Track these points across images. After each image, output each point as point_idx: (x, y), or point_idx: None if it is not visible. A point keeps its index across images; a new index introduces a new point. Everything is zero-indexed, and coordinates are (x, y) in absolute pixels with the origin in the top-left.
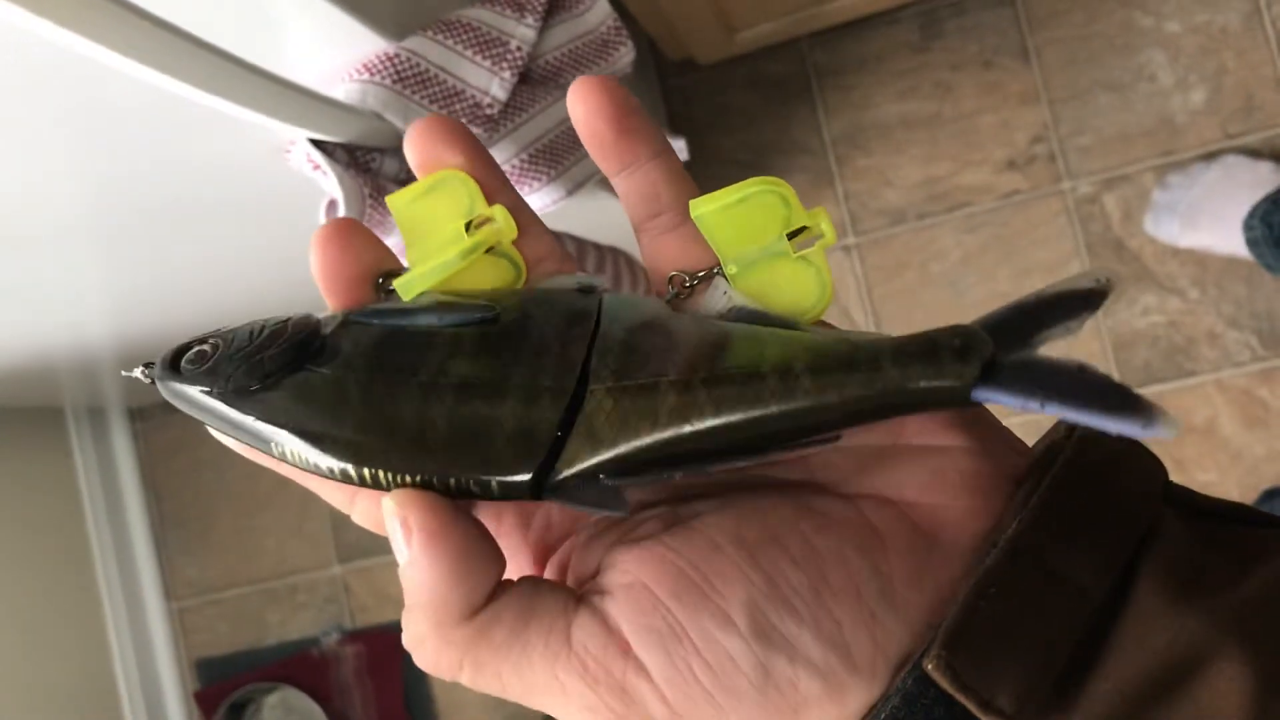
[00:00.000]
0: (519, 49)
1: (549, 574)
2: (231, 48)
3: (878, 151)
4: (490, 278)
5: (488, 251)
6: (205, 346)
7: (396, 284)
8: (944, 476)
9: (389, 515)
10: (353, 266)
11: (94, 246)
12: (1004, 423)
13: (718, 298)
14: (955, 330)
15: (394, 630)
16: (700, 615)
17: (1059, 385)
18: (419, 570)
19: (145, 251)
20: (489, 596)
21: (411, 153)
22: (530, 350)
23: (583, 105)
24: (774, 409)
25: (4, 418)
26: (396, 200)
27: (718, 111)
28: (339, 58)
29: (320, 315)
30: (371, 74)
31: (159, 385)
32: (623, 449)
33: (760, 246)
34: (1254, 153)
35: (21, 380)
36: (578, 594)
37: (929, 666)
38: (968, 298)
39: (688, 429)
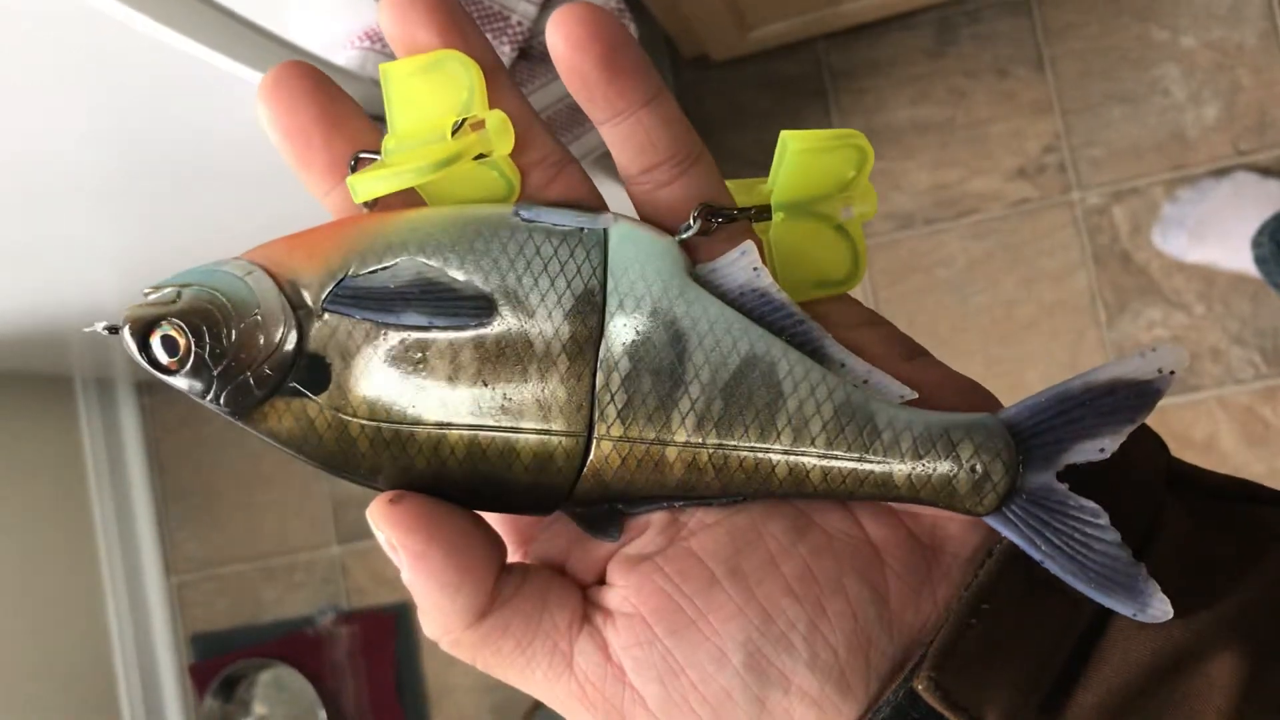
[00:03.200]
0: (520, 24)
1: (532, 559)
2: (238, 10)
3: (888, 155)
4: (474, 189)
5: (476, 158)
6: (171, 331)
7: (349, 181)
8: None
9: (380, 538)
10: (321, 135)
11: (106, 211)
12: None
13: (741, 267)
14: (980, 446)
15: (389, 612)
16: (697, 653)
17: (1067, 539)
18: (414, 586)
19: (155, 218)
20: (493, 595)
21: (388, 23)
22: (536, 372)
23: (565, 40)
24: (779, 491)
25: (14, 384)
26: (392, 70)
27: (730, 110)
28: (341, 25)
29: (286, 282)
30: (373, 41)
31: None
32: (629, 494)
33: (811, 200)
34: (1265, 170)
35: (32, 346)
36: (582, 610)
37: (919, 687)
38: (972, 304)
39: (694, 494)
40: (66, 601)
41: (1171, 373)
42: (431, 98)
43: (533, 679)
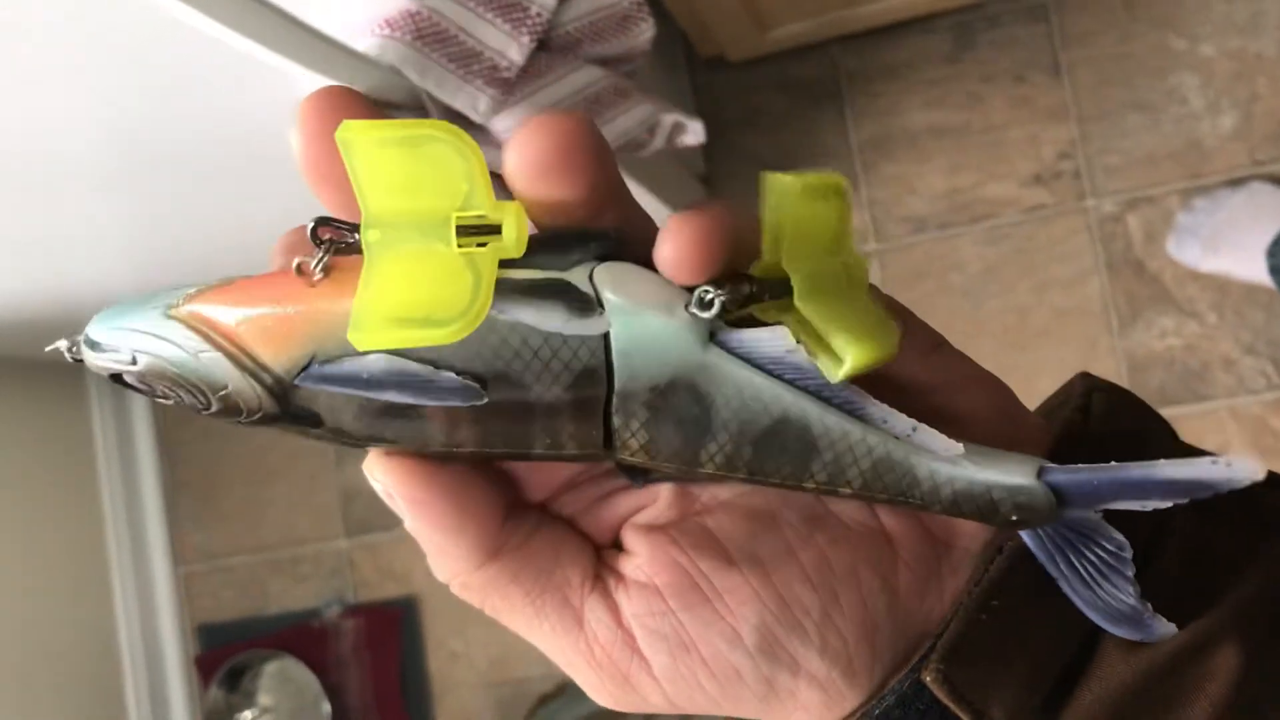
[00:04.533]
0: (539, 15)
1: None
2: None
3: (903, 159)
4: (437, 285)
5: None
6: (137, 383)
7: (354, 338)
8: None
9: (376, 488)
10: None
11: (119, 198)
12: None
13: (772, 346)
14: (1020, 507)
15: (395, 607)
16: (710, 631)
17: (1087, 565)
18: (417, 532)
19: (167, 204)
20: (500, 537)
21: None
22: (542, 426)
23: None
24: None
25: (26, 370)
26: (355, 135)
27: (746, 111)
28: (363, 11)
29: (246, 359)
30: (393, 29)
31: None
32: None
33: (829, 258)
34: None
35: (44, 332)
36: (594, 569)
37: (927, 679)
38: (984, 310)
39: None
40: (74, 591)
41: (1247, 474)
42: (411, 177)
43: (539, 630)
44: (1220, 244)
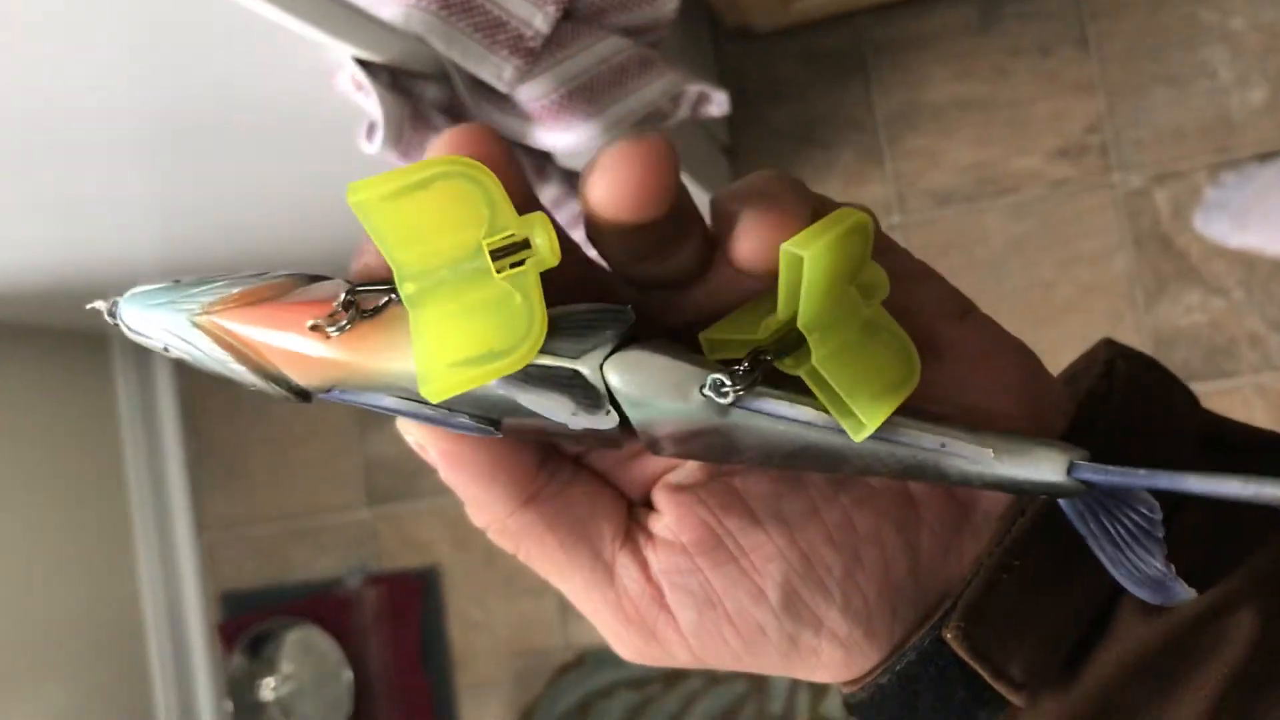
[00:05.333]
0: None
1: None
2: None
3: (929, 132)
4: (488, 323)
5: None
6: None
7: (428, 392)
8: None
9: (409, 441)
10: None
11: (141, 165)
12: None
13: (792, 411)
14: (1051, 487)
15: (416, 576)
16: (736, 588)
17: (1119, 527)
18: (451, 481)
19: (192, 172)
20: (535, 481)
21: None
22: (570, 439)
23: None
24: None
25: (51, 339)
26: (364, 195)
27: (770, 82)
28: None
29: (272, 369)
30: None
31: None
32: None
33: (833, 307)
34: None
35: (68, 301)
36: (626, 525)
37: (948, 636)
38: (1009, 284)
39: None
40: (98, 559)
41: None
42: (431, 218)
43: (571, 580)
44: (1249, 219)
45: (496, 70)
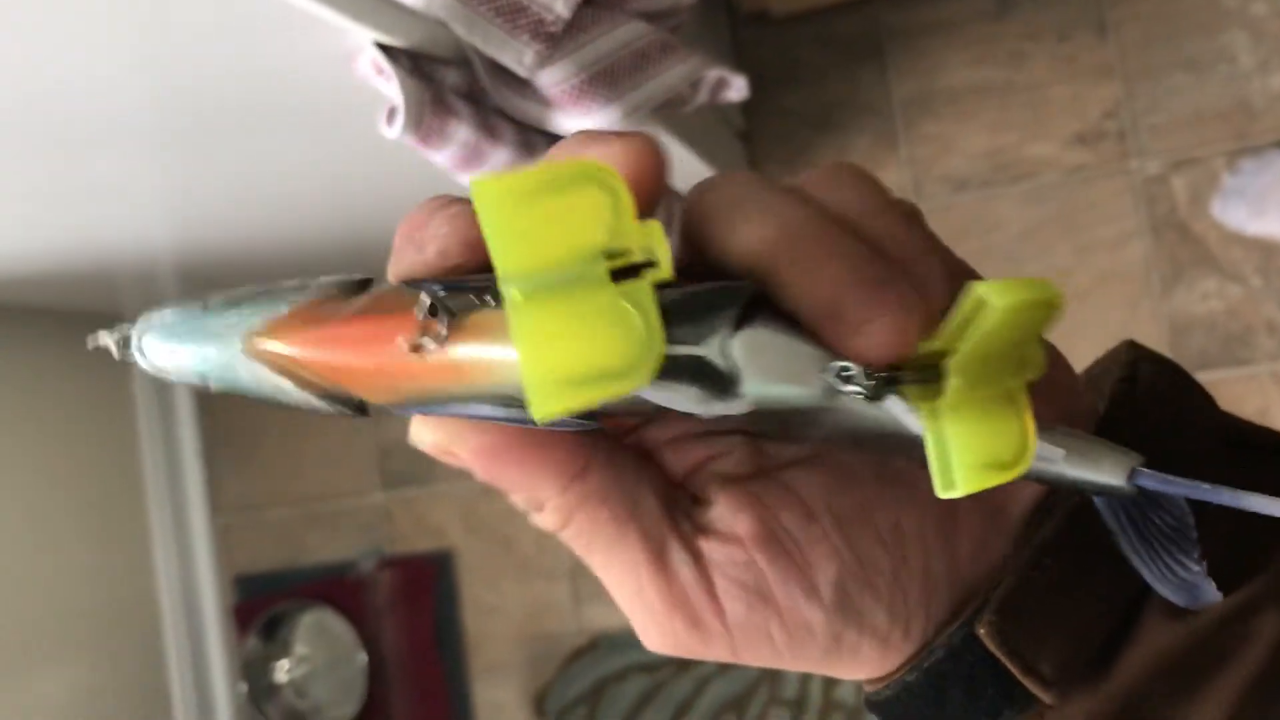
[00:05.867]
0: None
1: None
2: None
3: (945, 117)
4: (603, 338)
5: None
6: None
7: (539, 417)
8: None
9: (426, 446)
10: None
11: (157, 150)
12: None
13: (901, 413)
14: (1109, 490)
15: (430, 560)
16: (790, 585)
17: (1150, 534)
18: (493, 479)
19: (208, 157)
20: (584, 455)
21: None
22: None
23: None
24: None
25: (65, 322)
26: (489, 192)
27: (787, 66)
28: None
29: (330, 387)
30: None
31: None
32: None
33: (990, 363)
34: None
35: (82, 285)
36: (672, 508)
37: (981, 631)
38: (1025, 271)
39: None
40: (114, 542)
41: None
42: (551, 223)
43: (618, 557)
44: (1267, 206)
45: (517, 55)
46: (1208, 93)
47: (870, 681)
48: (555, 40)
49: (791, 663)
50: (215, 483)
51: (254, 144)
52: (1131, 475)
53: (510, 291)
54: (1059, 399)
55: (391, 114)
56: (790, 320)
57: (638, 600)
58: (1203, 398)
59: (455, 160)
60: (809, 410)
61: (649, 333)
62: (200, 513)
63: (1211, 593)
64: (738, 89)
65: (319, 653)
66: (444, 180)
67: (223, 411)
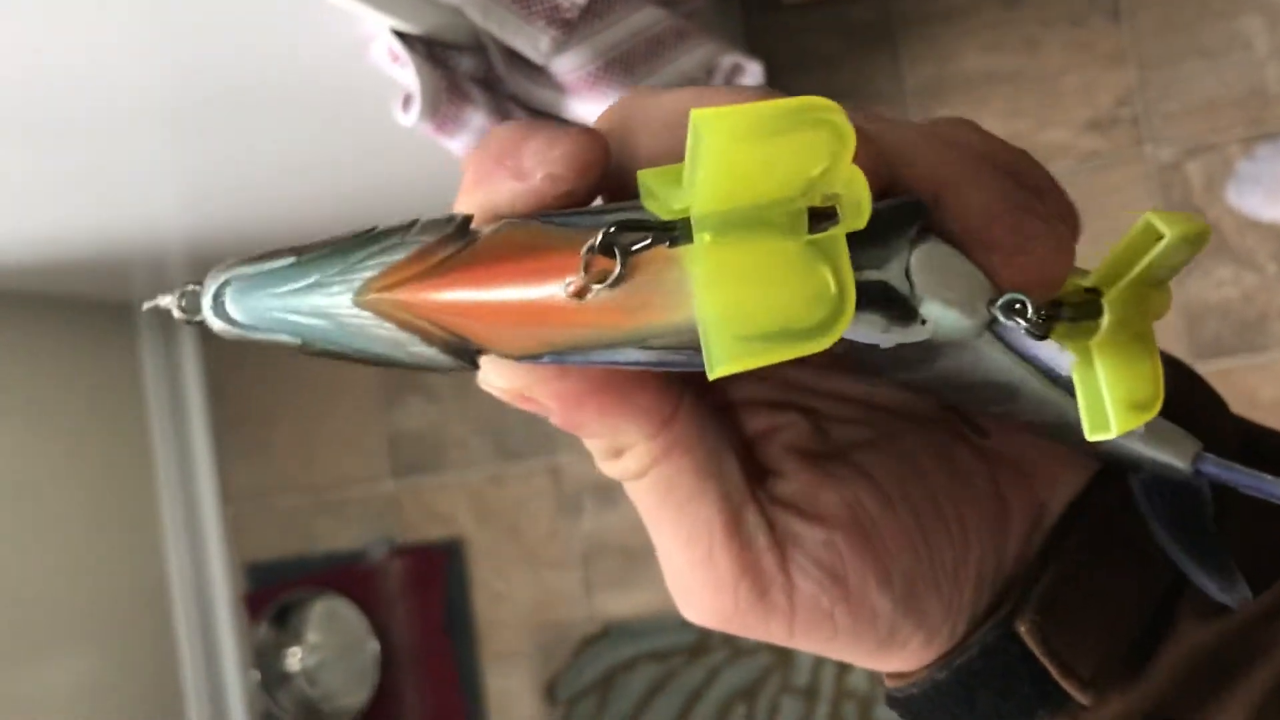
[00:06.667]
0: None
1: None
2: None
3: (958, 104)
4: (791, 293)
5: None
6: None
7: (714, 372)
8: (1057, 447)
9: (503, 397)
10: None
11: (169, 136)
12: None
13: (1048, 359)
14: (1170, 469)
15: (441, 548)
16: (866, 572)
17: (1185, 522)
18: (574, 427)
19: (220, 144)
20: (672, 401)
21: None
22: None
23: None
24: None
25: (76, 309)
26: (717, 127)
27: (799, 53)
28: None
29: (455, 339)
30: None
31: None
32: None
33: (1141, 308)
34: None
35: (94, 272)
36: (746, 474)
37: (1022, 629)
38: None
39: None
40: (125, 530)
41: None
42: (765, 165)
43: (693, 516)
44: None
45: (533, 41)
46: (1222, 79)
47: (893, 677)
48: (571, 26)
49: (842, 651)
50: (226, 471)
51: (267, 131)
52: (1196, 459)
53: (701, 236)
54: None
55: (407, 101)
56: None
57: (705, 563)
58: (1211, 398)
59: (471, 147)
60: (939, 345)
61: (841, 292)
62: (211, 501)
63: (1240, 587)
64: (752, 75)
65: (330, 641)
66: (456, 167)
67: (233, 400)
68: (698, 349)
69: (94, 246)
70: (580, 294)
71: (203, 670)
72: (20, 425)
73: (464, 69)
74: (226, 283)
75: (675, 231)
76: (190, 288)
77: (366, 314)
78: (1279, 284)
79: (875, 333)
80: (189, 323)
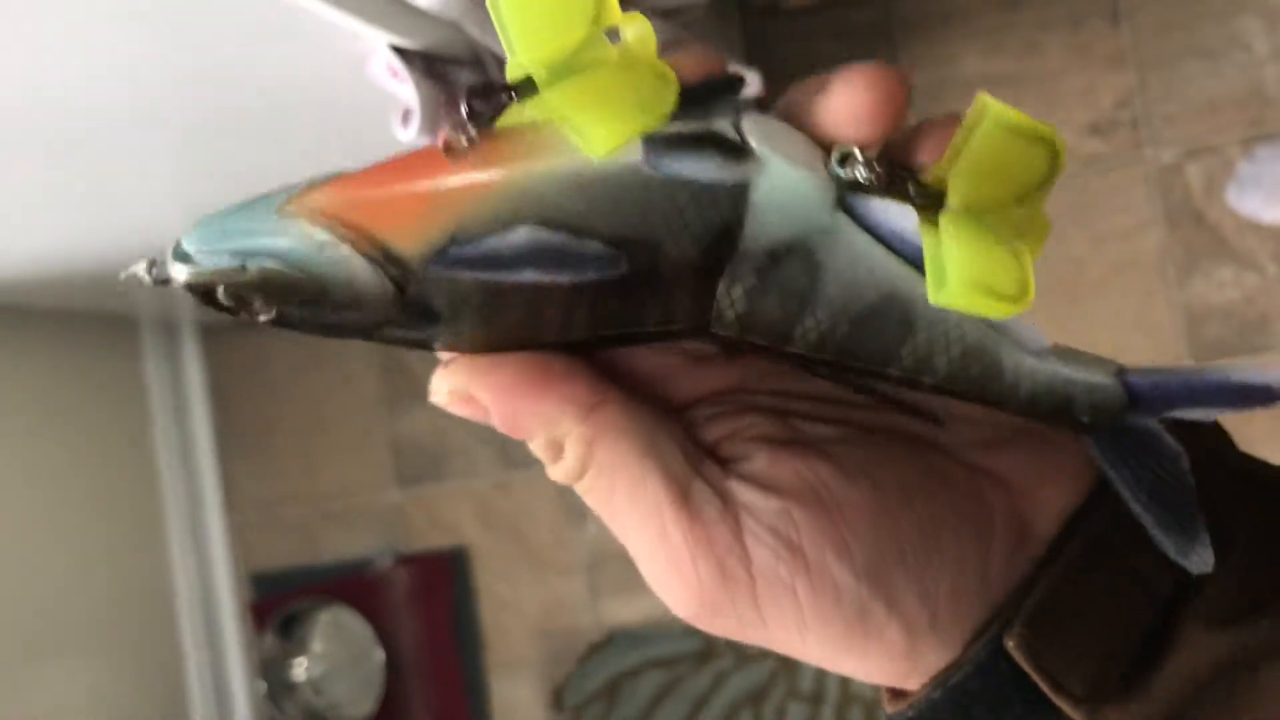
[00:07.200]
0: None
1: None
2: None
3: (958, 107)
4: (629, 91)
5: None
6: (247, 296)
7: (590, 147)
8: (1049, 464)
9: (449, 405)
10: None
11: (171, 150)
12: None
13: (897, 217)
14: (1095, 407)
15: (447, 556)
16: (822, 539)
17: (1146, 477)
18: (513, 417)
19: (221, 158)
20: (600, 389)
21: None
22: (660, 298)
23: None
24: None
25: (80, 323)
26: None
27: (799, 58)
28: None
29: (376, 250)
30: None
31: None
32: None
33: (990, 207)
34: None
35: (97, 286)
36: (690, 447)
37: (1010, 644)
38: (1040, 261)
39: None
40: (130, 539)
41: None
42: (554, 17)
43: (641, 500)
44: None
45: None
46: (1222, 80)
47: (893, 700)
48: None
49: (815, 629)
50: (230, 481)
51: (267, 145)
52: (1119, 372)
53: (539, 74)
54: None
55: (406, 116)
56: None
57: (660, 541)
58: (1211, 430)
59: None
60: (802, 254)
61: (661, 71)
62: (216, 511)
63: (1204, 552)
64: (751, 84)
65: (336, 650)
66: None
67: (237, 410)
68: (586, 230)
69: (99, 260)
70: (450, 147)
71: (209, 680)
72: (27, 437)
73: (463, 82)
74: (183, 234)
75: (519, 88)
76: (159, 256)
77: (290, 221)
78: None
79: (712, 169)
80: (155, 283)
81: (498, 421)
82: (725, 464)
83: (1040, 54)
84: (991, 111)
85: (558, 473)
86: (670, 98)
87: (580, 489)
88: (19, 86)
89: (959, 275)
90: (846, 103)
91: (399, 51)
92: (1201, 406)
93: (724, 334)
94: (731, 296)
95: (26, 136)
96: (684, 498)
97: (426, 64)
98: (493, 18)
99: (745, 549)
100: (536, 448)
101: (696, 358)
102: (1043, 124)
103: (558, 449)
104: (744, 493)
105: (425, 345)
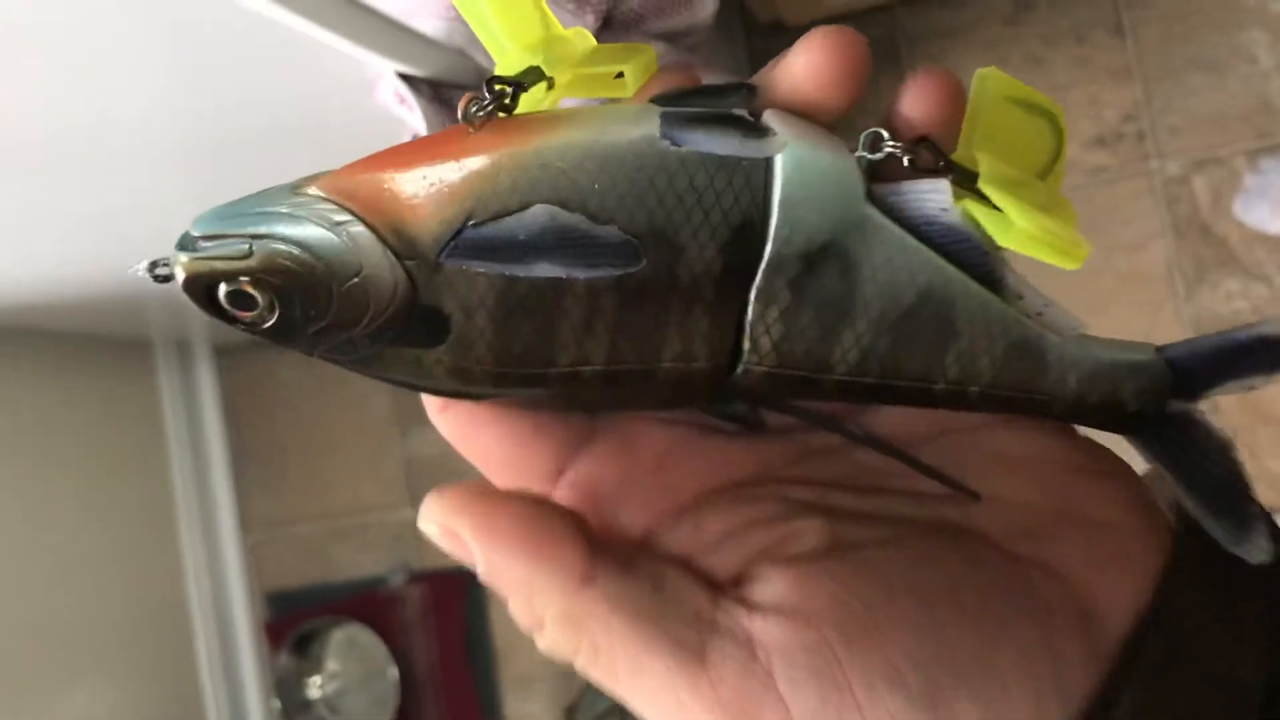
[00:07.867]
0: None
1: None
2: None
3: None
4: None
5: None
6: (246, 289)
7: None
8: (1104, 548)
9: (433, 535)
10: None
11: (183, 175)
12: None
13: (929, 200)
14: (1142, 389)
15: (459, 573)
16: (870, 668)
17: (1198, 470)
18: (495, 569)
19: (232, 183)
20: (592, 558)
21: None
22: (681, 306)
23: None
24: (934, 406)
25: (96, 347)
26: None
27: None
28: None
29: (389, 231)
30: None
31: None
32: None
33: (1028, 177)
34: None
35: (112, 310)
36: (713, 598)
37: None
38: (1046, 273)
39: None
40: (145, 559)
41: None
42: (515, 23)
43: (648, 671)
44: None
45: None
46: (1227, 92)
47: None
48: None
49: None
50: (245, 501)
51: (278, 170)
52: (1159, 349)
53: (542, 70)
54: (1144, 517)
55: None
56: None
57: (685, 715)
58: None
59: None
60: (836, 257)
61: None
62: (230, 531)
63: (1262, 539)
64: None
65: (351, 668)
66: None
67: (251, 430)
68: (604, 213)
69: (112, 284)
70: (468, 117)
71: (224, 699)
72: (43, 460)
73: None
74: (192, 226)
75: (525, 79)
76: (164, 256)
77: (302, 198)
78: None
79: (733, 143)
80: (157, 279)
81: (480, 572)
82: (746, 593)
83: (1045, 67)
84: (992, 82)
85: (543, 644)
86: (644, 62)
87: (577, 667)
88: (36, 114)
89: (1021, 219)
90: (805, 60)
91: (406, 79)
92: (1240, 372)
93: (756, 371)
94: (766, 321)
95: (42, 163)
96: (698, 661)
97: (433, 90)
98: (473, 27)
99: (781, 698)
100: (515, 611)
101: (705, 429)
102: (1038, 93)
103: (539, 622)
104: (772, 631)
105: (428, 373)
